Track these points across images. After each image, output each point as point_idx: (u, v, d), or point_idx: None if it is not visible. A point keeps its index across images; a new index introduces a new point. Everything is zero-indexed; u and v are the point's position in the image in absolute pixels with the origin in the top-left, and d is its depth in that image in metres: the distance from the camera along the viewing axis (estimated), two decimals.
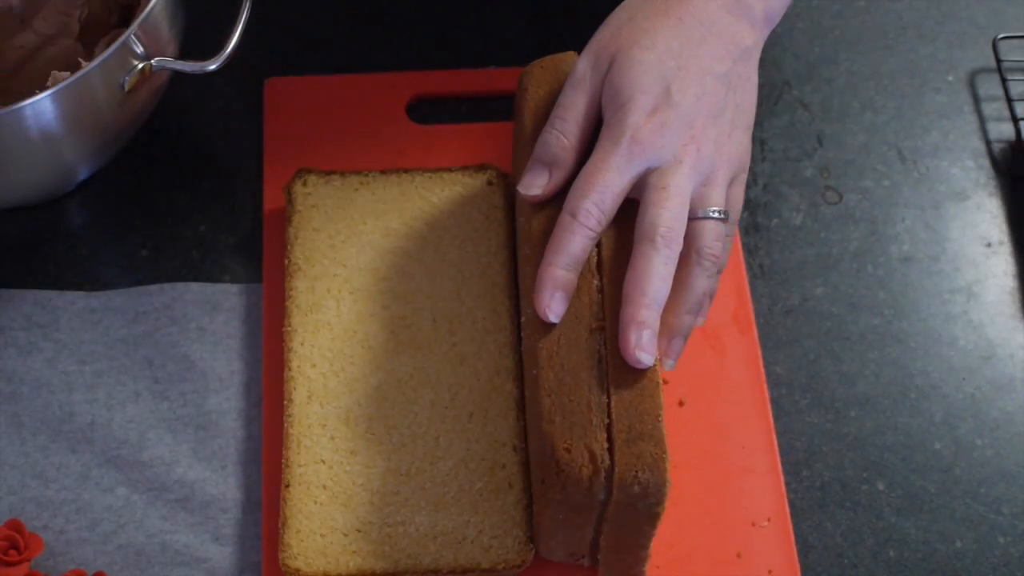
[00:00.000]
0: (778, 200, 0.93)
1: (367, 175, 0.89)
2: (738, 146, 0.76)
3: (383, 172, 0.89)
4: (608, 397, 0.71)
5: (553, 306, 0.72)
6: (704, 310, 0.78)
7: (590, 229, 0.73)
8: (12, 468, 0.81)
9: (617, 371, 0.71)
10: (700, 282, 0.74)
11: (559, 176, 0.75)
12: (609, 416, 0.70)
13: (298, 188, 0.88)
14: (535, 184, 0.76)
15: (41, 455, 0.82)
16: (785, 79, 0.97)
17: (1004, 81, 0.96)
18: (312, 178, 0.88)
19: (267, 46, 0.97)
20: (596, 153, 0.74)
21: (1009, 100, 0.95)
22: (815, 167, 0.94)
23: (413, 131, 0.93)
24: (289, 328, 0.83)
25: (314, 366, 0.82)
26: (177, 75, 0.84)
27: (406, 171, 0.89)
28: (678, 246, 0.72)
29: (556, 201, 0.75)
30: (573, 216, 0.73)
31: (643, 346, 0.71)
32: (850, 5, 1.02)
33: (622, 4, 0.78)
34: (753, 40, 0.77)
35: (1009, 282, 0.90)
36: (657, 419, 0.70)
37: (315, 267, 0.85)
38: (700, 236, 0.74)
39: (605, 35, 0.77)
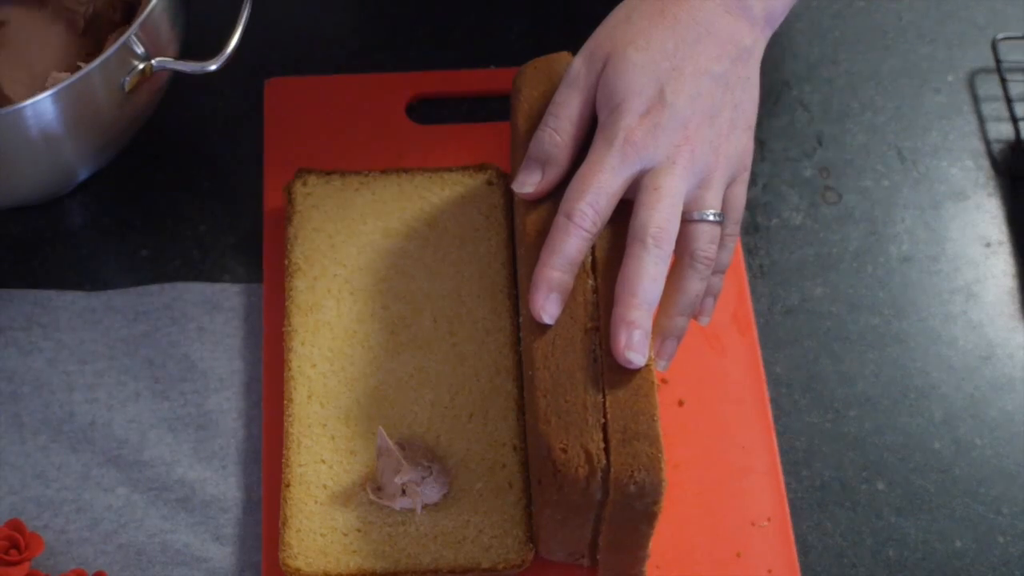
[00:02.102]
0: (778, 200, 0.93)
1: (367, 175, 0.89)
2: (737, 146, 0.76)
3: (383, 172, 0.89)
4: (603, 397, 0.71)
5: (547, 307, 0.72)
6: (708, 309, 0.78)
7: (585, 230, 0.73)
8: (12, 468, 0.81)
9: (612, 371, 0.71)
10: (693, 285, 0.74)
11: (552, 174, 0.75)
12: (605, 416, 0.70)
13: (298, 188, 0.88)
14: (528, 182, 0.76)
15: (41, 455, 0.82)
16: (785, 79, 0.97)
17: (1004, 81, 0.96)
18: (312, 178, 0.88)
19: (267, 46, 0.97)
20: (590, 154, 0.74)
21: (1009, 100, 0.95)
22: (815, 167, 0.94)
23: (413, 131, 0.93)
24: (289, 328, 0.83)
25: (314, 366, 0.82)
26: (177, 75, 0.84)
27: (406, 171, 0.89)
28: (669, 247, 0.72)
29: (550, 201, 0.75)
30: (568, 217, 0.73)
31: (633, 346, 0.71)
32: (850, 5, 1.02)
33: (620, 4, 0.78)
34: (752, 40, 0.77)
35: (1009, 282, 0.90)
36: (652, 419, 0.70)
37: (315, 267, 0.85)
38: (694, 239, 0.74)
39: (601, 34, 0.77)
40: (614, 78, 0.74)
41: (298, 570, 0.76)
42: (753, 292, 0.89)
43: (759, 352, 0.86)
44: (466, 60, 0.97)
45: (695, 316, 0.77)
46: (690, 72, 0.74)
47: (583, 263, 0.74)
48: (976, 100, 0.97)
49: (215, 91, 0.95)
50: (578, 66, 0.76)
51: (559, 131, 0.75)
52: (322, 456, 0.80)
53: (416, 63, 0.97)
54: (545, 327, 0.73)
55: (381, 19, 1.00)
